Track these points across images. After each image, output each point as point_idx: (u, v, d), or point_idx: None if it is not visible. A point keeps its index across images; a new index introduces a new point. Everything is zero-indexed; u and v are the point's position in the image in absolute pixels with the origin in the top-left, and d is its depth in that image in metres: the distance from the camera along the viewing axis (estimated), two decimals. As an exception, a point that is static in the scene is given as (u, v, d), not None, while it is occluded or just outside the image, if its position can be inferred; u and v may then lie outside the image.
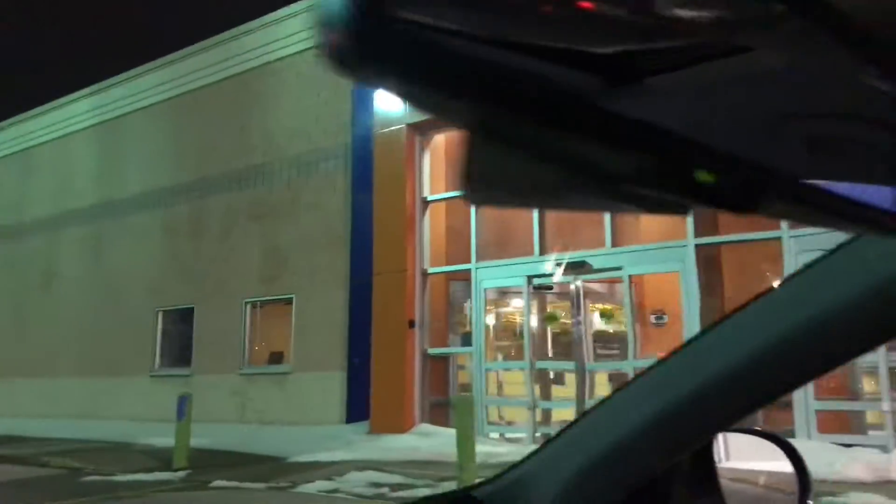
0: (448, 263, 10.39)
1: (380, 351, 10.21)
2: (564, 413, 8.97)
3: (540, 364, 9.27)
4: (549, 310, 9.74)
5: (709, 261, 8.24)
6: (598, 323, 9.78)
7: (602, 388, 8.82)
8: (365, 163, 11.35)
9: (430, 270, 10.32)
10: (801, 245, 7.49)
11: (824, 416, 7.29)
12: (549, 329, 9.84)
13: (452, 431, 9.08)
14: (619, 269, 8.57)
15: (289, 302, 12.11)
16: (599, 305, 10.04)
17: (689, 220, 8.20)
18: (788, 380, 0.71)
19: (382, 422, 9.87)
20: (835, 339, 0.66)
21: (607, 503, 0.82)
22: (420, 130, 10.48)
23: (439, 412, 10.16)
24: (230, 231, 13.00)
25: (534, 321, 9.45)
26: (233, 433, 10.77)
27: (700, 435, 0.82)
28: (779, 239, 7.66)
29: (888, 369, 6.97)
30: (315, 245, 11.82)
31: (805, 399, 7.21)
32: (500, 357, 10.08)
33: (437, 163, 10.75)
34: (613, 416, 0.83)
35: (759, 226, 7.95)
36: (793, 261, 7.53)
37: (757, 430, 1.05)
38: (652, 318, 8.87)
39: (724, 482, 0.98)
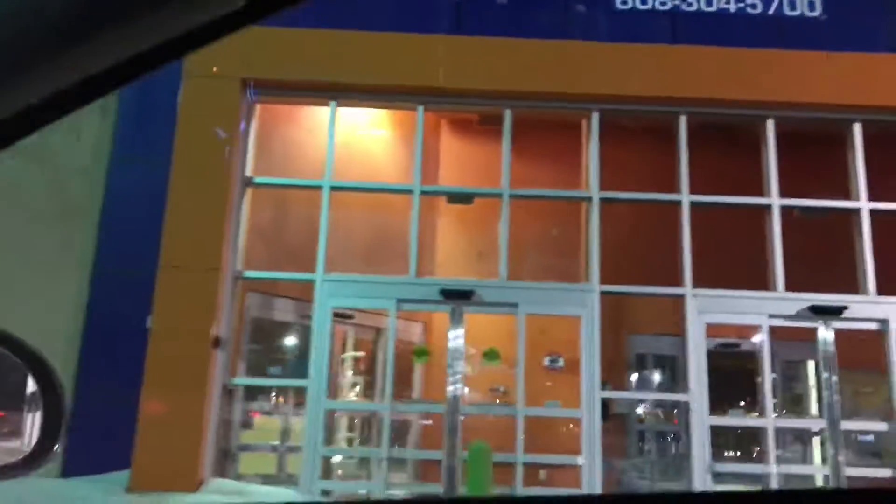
0: (259, 268, 7.96)
1: (158, 375, 7.16)
2: (428, 467, 7.43)
3: (404, 406, 7.59)
4: (418, 344, 8.11)
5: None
6: (475, 363, 8.48)
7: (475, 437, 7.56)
8: (143, 114, 8.24)
9: (247, 275, 7.78)
10: (703, 305, 7.65)
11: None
12: (415, 366, 8.18)
13: (265, 489, 6.88)
14: (514, 305, 7.60)
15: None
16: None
17: (595, 265, 7.77)
18: None
19: (155, 475, 6.85)
20: None
21: None
22: (254, 89, 8.04)
23: (223, 463, 7.55)
24: None
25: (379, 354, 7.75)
26: None
27: None
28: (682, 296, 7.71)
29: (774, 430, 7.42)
30: (26, 212, 7.97)
31: (704, 460, 7.23)
32: (347, 395, 7.95)
33: (265, 136, 8.33)
34: None
35: (663, 280, 7.93)
36: (696, 320, 7.64)
37: None
38: (546, 361, 8.03)
39: None
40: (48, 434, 0.82)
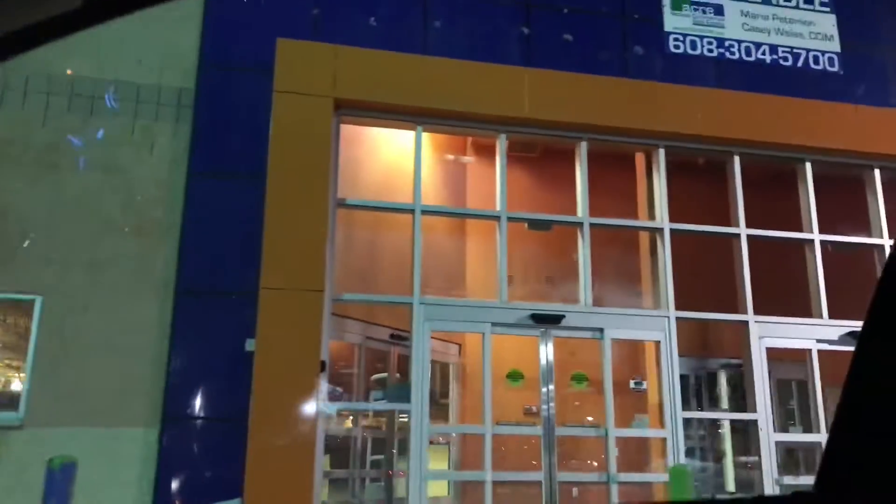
0: (344, 290, 7.86)
1: (265, 401, 6.94)
2: (531, 489, 7.60)
3: (501, 429, 7.72)
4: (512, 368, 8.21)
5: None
6: (567, 385, 8.67)
7: (571, 459, 7.83)
8: (222, 127, 7.92)
9: (345, 297, 7.66)
10: (762, 330, 8.35)
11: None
12: (511, 388, 8.27)
13: None
14: (600, 329, 7.97)
15: (22, 307, 7.20)
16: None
17: (670, 292, 8.28)
18: None
19: (268, 507, 6.64)
20: None
21: None
22: (342, 111, 7.97)
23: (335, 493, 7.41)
24: None
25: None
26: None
27: None
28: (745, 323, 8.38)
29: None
30: (100, 226, 7.46)
31: (772, 474, 7.90)
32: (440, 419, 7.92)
33: (349, 158, 8.24)
34: None
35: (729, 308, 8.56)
36: (757, 344, 8.31)
37: None
38: (631, 384, 8.37)
39: None
40: None
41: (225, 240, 7.61)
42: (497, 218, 8.23)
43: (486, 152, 10.85)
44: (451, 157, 10.15)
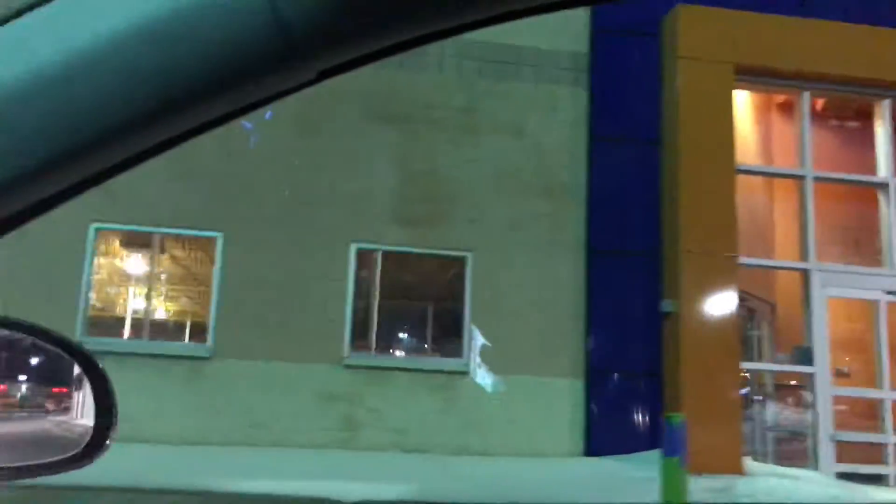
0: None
1: (694, 361, 7.32)
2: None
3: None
4: None
5: None
6: None
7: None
8: (619, 91, 8.15)
9: (745, 262, 7.90)
10: None
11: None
12: None
13: (800, 472, 7.19)
14: None
15: (455, 262, 7.75)
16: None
17: None
18: None
19: (701, 457, 7.05)
20: None
21: None
22: (739, 76, 8.06)
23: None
24: (322, 129, 7.74)
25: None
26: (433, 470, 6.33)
27: None
28: None
29: None
30: (514, 187, 7.88)
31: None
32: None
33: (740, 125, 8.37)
34: None
35: None
36: None
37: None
38: None
39: None
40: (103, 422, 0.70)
41: (627, 202, 7.93)
42: (884, 185, 8.24)
43: (782, 110, 10.77)
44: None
